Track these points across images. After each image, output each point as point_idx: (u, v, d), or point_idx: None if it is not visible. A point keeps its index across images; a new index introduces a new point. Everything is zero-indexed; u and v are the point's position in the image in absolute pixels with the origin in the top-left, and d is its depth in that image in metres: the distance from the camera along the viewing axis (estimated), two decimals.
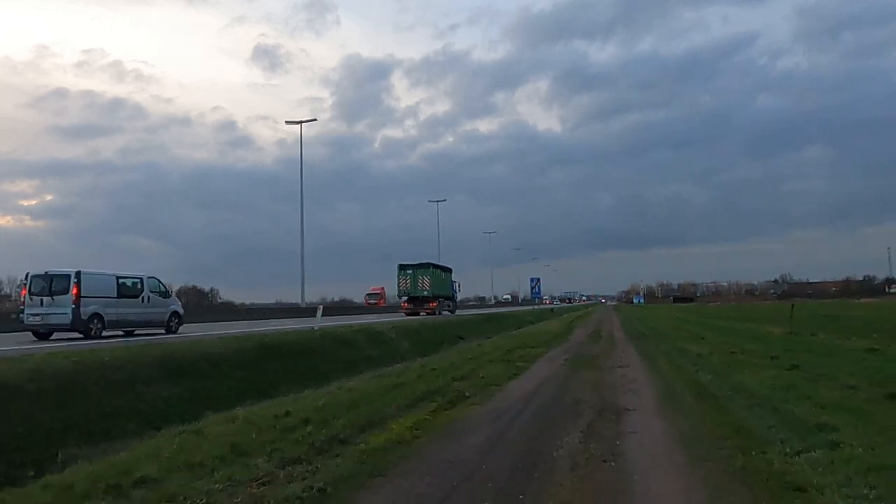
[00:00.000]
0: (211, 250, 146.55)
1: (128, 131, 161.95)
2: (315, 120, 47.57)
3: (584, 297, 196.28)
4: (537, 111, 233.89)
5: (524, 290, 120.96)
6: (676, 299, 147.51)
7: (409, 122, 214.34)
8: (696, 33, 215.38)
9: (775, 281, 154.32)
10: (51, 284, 16.54)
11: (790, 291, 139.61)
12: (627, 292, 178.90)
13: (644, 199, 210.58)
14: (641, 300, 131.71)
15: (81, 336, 16.30)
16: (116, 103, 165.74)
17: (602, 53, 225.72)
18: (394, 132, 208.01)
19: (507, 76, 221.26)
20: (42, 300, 16.40)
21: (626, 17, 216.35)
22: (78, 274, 16.64)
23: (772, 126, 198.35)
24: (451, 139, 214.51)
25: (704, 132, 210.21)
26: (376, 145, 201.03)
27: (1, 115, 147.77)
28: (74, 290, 16.31)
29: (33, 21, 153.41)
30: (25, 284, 17.18)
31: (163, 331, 18.98)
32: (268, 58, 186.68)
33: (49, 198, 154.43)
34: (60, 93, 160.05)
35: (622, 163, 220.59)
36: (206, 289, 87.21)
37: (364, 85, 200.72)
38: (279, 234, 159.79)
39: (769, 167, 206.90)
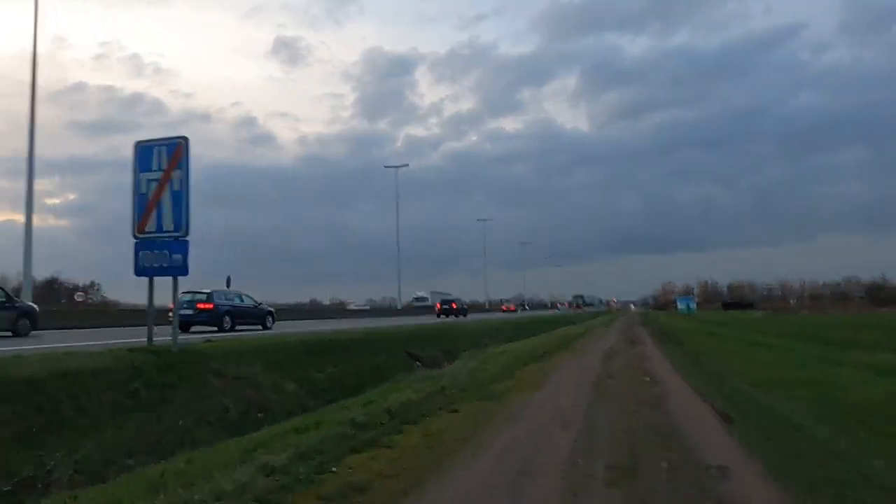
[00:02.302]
0: (231, 249, 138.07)
1: (147, 127, 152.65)
2: None
3: (612, 301, 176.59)
4: (564, 109, 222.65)
5: (529, 294, 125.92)
6: (727, 305, 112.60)
7: (432, 120, 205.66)
8: (735, 25, 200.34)
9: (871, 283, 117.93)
10: None
11: (885, 296, 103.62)
12: (656, 297, 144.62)
13: (671, 201, 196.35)
14: (693, 304, 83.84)
15: None
16: (135, 98, 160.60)
17: (634, 47, 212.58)
18: (416, 130, 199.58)
19: (534, 71, 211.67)
20: None
21: (661, 6, 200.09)
22: None
23: (809, 125, 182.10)
24: (474, 138, 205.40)
25: (737, 131, 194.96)
26: (398, 144, 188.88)
27: (19, 110, 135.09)
28: None
29: (49, 12, 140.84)
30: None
31: None
32: (287, 50, 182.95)
33: (71, 197, 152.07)
34: (79, 87, 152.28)
35: (649, 163, 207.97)
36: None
37: (386, 80, 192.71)
38: (299, 233, 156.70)
39: (804, 168, 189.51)
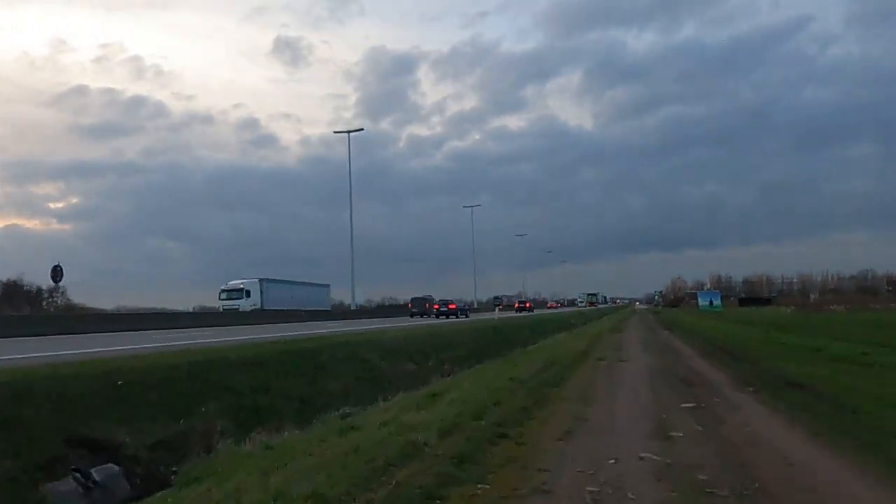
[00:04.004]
0: (233, 251, 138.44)
1: (150, 130, 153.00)
2: None
3: (618, 300, 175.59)
4: (568, 106, 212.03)
5: (532, 293, 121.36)
6: (743, 301, 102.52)
7: (435, 119, 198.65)
8: (743, 18, 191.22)
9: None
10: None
11: None
12: (665, 293, 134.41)
13: (678, 199, 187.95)
14: (717, 300, 70.73)
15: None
16: (137, 101, 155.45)
17: (639, 42, 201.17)
18: (419, 130, 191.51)
19: (537, 68, 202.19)
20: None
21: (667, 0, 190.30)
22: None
23: (818, 120, 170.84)
24: (478, 137, 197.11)
25: (744, 127, 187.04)
26: (401, 144, 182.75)
27: (22, 115, 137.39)
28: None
29: (49, 14, 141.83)
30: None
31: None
32: (289, 50, 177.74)
33: (74, 200, 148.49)
34: (80, 90, 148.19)
35: (655, 160, 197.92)
36: None
37: (389, 79, 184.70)
38: (302, 234, 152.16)
39: (813, 164, 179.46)
